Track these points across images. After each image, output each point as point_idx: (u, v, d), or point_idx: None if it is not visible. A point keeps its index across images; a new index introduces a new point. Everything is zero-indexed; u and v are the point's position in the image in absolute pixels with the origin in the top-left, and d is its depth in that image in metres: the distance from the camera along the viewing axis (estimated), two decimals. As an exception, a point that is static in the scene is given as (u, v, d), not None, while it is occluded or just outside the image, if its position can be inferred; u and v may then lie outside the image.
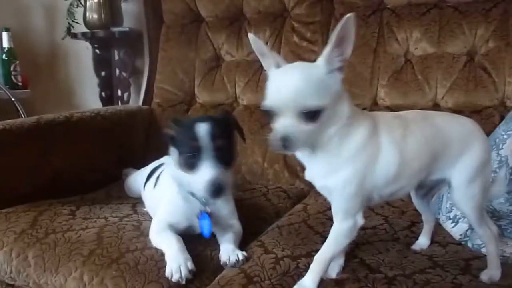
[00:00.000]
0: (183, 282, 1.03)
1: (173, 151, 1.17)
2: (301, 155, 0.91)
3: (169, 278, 1.03)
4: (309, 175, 0.93)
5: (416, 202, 1.13)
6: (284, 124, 0.80)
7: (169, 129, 1.15)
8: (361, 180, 0.87)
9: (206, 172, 1.06)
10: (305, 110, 0.79)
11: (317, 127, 0.81)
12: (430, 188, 1.08)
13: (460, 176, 0.95)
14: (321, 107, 0.80)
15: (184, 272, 1.03)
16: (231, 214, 1.26)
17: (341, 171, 0.87)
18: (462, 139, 0.95)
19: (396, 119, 0.94)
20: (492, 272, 0.97)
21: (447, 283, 0.94)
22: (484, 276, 0.96)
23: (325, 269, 0.93)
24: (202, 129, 1.08)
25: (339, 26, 0.78)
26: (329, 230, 1.22)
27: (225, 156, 1.09)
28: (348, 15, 0.77)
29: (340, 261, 1.00)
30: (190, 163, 1.09)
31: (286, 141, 0.79)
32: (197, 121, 1.11)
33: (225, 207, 1.24)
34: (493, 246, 0.98)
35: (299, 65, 0.87)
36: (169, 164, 1.24)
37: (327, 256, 0.92)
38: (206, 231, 1.18)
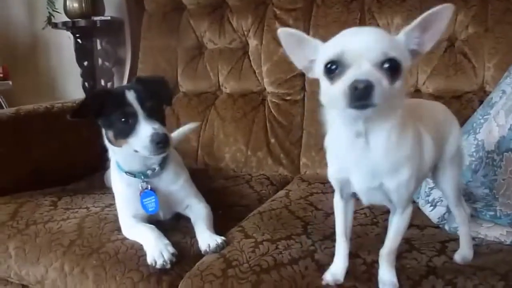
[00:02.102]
0: (168, 266, 1.04)
1: (104, 127, 1.17)
2: (351, 149, 0.79)
3: (153, 265, 1.04)
4: (356, 174, 0.82)
5: None
6: (365, 70, 0.67)
7: (92, 105, 1.15)
8: (418, 173, 0.83)
9: (146, 128, 1.09)
10: (387, 58, 0.68)
11: (393, 93, 0.69)
12: None
13: (445, 156, 0.95)
14: (401, 63, 0.69)
15: (166, 256, 1.04)
16: (186, 191, 1.27)
17: (403, 169, 0.79)
18: (447, 122, 0.97)
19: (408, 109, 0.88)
20: (464, 253, 0.99)
21: (422, 266, 0.95)
22: (458, 257, 0.98)
23: (394, 260, 0.90)
24: (131, 93, 1.12)
25: (432, 10, 0.71)
26: (310, 215, 1.25)
27: (158, 115, 1.14)
28: (447, 5, 0.70)
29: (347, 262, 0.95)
30: (126, 128, 1.11)
31: (368, 89, 0.65)
32: (122, 88, 1.15)
33: (174, 182, 1.25)
34: (466, 227, 1.00)
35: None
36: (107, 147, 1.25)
37: (395, 247, 0.88)
38: (151, 208, 1.19)
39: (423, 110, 0.95)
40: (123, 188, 1.24)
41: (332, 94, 0.71)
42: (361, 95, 0.66)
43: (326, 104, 0.77)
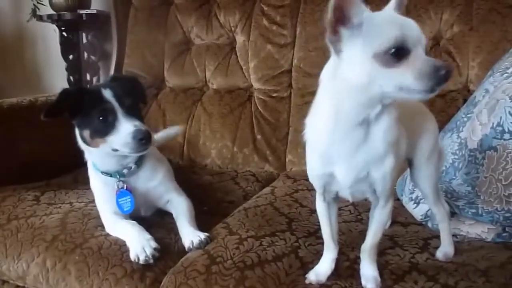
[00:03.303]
0: (151, 261, 1.04)
1: (79, 127, 1.16)
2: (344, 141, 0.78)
3: (136, 261, 1.03)
4: (344, 166, 0.81)
5: None
6: (426, 55, 0.69)
7: (66, 104, 1.13)
8: (398, 163, 0.82)
9: (126, 125, 1.08)
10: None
11: None
12: None
13: (421, 154, 0.96)
14: None
15: (149, 251, 1.04)
16: (165, 186, 1.26)
17: (388, 158, 0.79)
18: (421, 118, 0.96)
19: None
20: (446, 250, 1.00)
21: (404, 262, 0.96)
22: (439, 254, 0.99)
23: (376, 255, 0.91)
24: (107, 91, 1.11)
25: None
26: (294, 212, 1.25)
27: (136, 113, 1.13)
28: None
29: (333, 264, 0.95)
30: (105, 126, 1.09)
31: (449, 73, 0.67)
32: (100, 86, 1.14)
33: (152, 178, 1.24)
34: (446, 224, 1.01)
35: None
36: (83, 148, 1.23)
37: (376, 242, 0.89)
38: (126, 208, 1.18)
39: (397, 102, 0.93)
40: (100, 187, 1.23)
41: (398, 76, 0.68)
42: (444, 79, 0.67)
43: (363, 84, 0.71)
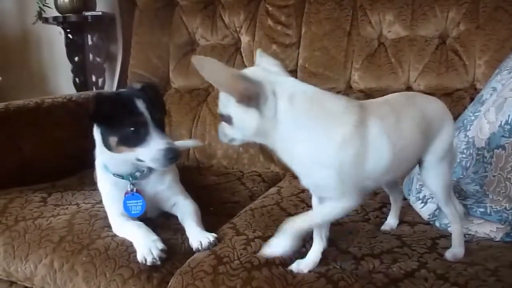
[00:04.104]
0: (159, 263, 1.03)
1: (105, 132, 1.14)
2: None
3: (144, 263, 1.03)
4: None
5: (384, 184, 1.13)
6: None
7: (96, 109, 1.12)
8: (354, 174, 0.83)
9: (159, 142, 1.07)
10: None
11: None
12: None
13: (433, 155, 0.95)
14: None
15: (156, 253, 1.04)
16: (172, 190, 1.26)
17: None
18: (439, 119, 0.95)
19: (385, 105, 0.91)
20: (455, 250, 0.99)
21: (413, 261, 0.96)
22: (448, 254, 0.98)
23: (304, 229, 0.88)
24: (140, 102, 1.10)
25: None
26: (301, 212, 1.24)
27: (163, 125, 1.13)
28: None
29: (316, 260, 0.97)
30: (135, 137, 1.09)
31: None
32: (131, 95, 1.12)
33: (161, 181, 1.24)
34: (458, 225, 1.00)
35: None
36: (97, 149, 1.22)
37: (306, 224, 0.88)
38: (134, 211, 1.18)
39: (407, 107, 0.93)
40: (109, 188, 1.23)
41: None
42: None
43: None
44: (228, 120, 0.83)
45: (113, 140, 1.11)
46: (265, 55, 0.89)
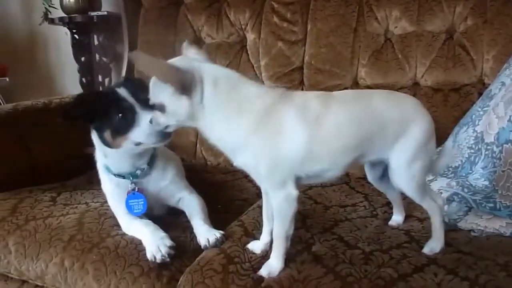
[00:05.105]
0: (168, 260, 1.04)
1: (99, 130, 1.16)
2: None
3: (153, 260, 1.04)
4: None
5: (376, 184, 1.12)
6: None
7: (80, 107, 1.15)
8: (269, 157, 0.89)
9: (147, 116, 1.07)
10: None
11: None
12: (384, 169, 1.04)
13: (400, 157, 0.94)
14: None
15: (164, 250, 1.04)
16: (176, 185, 1.27)
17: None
18: (401, 120, 0.94)
19: (317, 98, 0.94)
20: (433, 245, 0.98)
21: (423, 257, 0.96)
22: (426, 248, 0.98)
23: (285, 244, 0.94)
24: (122, 90, 1.13)
25: None
26: (308, 209, 1.25)
27: (152, 107, 1.12)
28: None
29: (266, 239, 1.03)
30: (125, 123, 1.10)
31: None
32: (112, 87, 1.16)
33: (163, 177, 1.25)
34: (438, 216, 0.99)
35: None
36: (97, 151, 1.24)
37: (280, 231, 0.94)
38: (136, 210, 1.19)
39: (348, 103, 0.94)
40: (112, 189, 1.24)
41: None
42: None
43: None
44: (161, 108, 0.90)
45: (107, 134, 1.13)
46: (191, 46, 0.96)
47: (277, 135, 0.88)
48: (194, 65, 0.87)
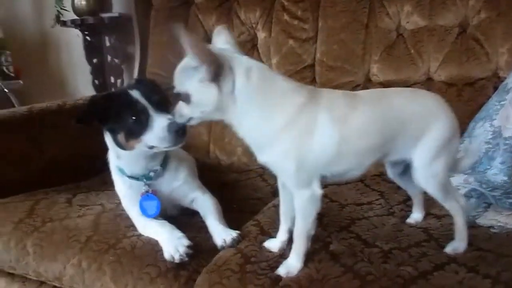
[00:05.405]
0: (186, 259, 1.04)
1: (112, 132, 1.15)
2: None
3: (172, 261, 1.04)
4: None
5: (397, 180, 1.11)
6: None
7: (93, 110, 1.15)
8: (298, 155, 0.87)
9: (160, 120, 1.08)
10: None
11: None
12: (405, 165, 1.03)
13: (422, 156, 0.93)
14: None
15: (182, 250, 1.04)
16: (189, 185, 1.26)
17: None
18: (422, 119, 0.93)
19: (344, 97, 0.93)
20: (457, 244, 0.97)
21: (442, 255, 0.95)
22: (449, 248, 0.96)
23: (306, 243, 0.94)
24: (134, 92, 1.11)
25: None
26: (324, 207, 1.23)
27: (166, 108, 1.11)
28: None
29: (284, 237, 1.02)
30: (138, 126, 1.09)
31: None
32: (124, 89, 1.14)
33: (176, 178, 1.24)
34: (461, 218, 0.98)
35: None
36: (110, 153, 1.24)
37: (302, 230, 0.93)
38: (150, 212, 1.18)
39: (372, 103, 0.93)
40: (125, 191, 1.25)
41: None
42: None
43: None
44: (186, 98, 0.86)
45: (121, 137, 1.13)
46: (223, 32, 0.92)
47: (308, 133, 0.86)
48: (223, 53, 0.85)
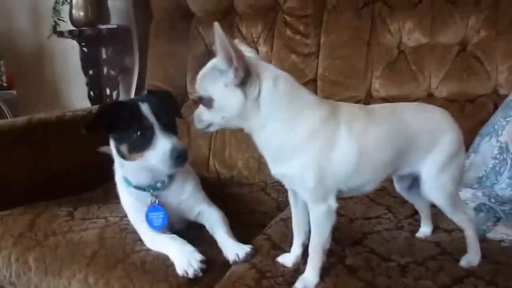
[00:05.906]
0: (201, 274, 1.02)
1: (117, 140, 1.14)
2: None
3: (185, 276, 1.02)
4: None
5: (404, 194, 1.12)
6: None
7: (106, 119, 1.13)
8: (318, 168, 0.87)
9: (164, 142, 1.06)
10: None
11: None
12: (412, 180, 1.04)
13: (430, 169, 0.94)
14: None
15: (196, 265, 1.02)
16: (195, 198, 1.25)
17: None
18: (430, 134, 0.94)
19: (361, 111, 0.94)
20: (470, 258, 0.97)
21: (459, 269, 0.95)
22: (463, 261, 0.97)
23: (322, 257, 0.93)
24: (145, 106, 1.09)
25: None
26: (335, 223, 1.24)
27: (173, 128, 1.11)
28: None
29: (298, 251, 1.02)
30: (143, 141, 1.08)
31: None
32: (135, 101, 1.12)
33: (182, 191, 1.23)
34: (471, 231, 0.98)
35: None
36: (116, 162, 1.23)
37: (317, 244, 0.93)
38: (156, 223, 1.16)
39: (386, 117, 0.94)
40: (131, 202, 1.23)
41: None
42: None
43: None
44: (208, 103, 0.85)
45: (124, 147, 1.12)
46: (242, 44, 0.91)
47: (329, 146, 0.86)
48: (252, 60, 0.84)
